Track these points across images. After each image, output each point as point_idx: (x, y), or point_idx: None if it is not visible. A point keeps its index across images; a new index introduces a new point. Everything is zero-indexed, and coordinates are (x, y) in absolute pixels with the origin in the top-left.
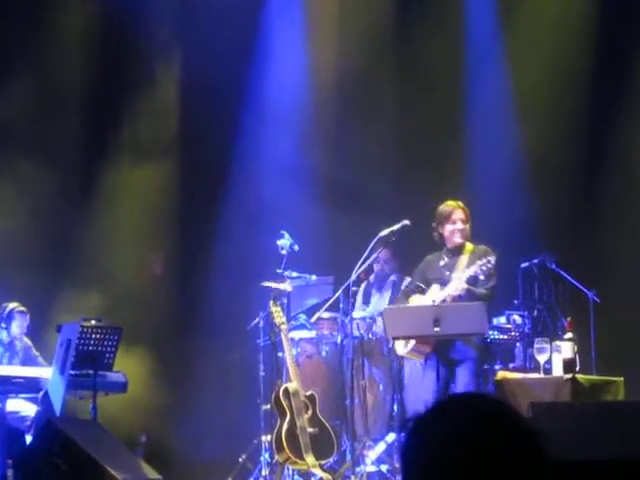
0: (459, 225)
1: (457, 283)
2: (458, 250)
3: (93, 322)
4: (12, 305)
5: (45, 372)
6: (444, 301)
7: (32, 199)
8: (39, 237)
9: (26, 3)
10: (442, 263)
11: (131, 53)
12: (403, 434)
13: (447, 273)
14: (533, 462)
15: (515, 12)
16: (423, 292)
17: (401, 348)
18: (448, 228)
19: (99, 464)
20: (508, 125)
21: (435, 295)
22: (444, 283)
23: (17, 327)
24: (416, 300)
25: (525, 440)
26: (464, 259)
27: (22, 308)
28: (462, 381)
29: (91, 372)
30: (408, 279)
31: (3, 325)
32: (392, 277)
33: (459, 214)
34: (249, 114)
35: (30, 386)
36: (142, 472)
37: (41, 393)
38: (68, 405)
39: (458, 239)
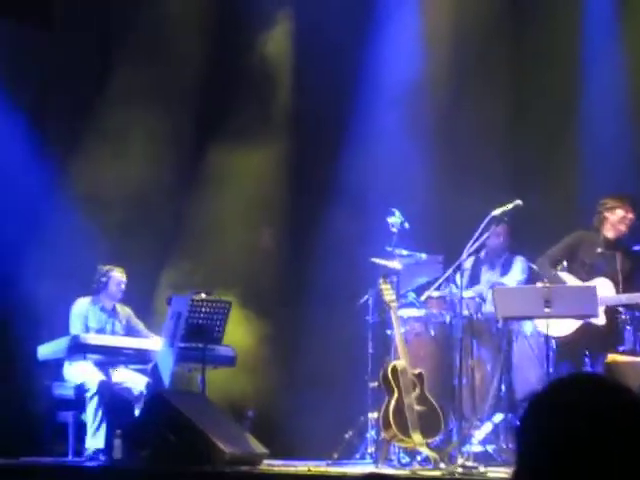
0: (630, 215)
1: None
2: (614, 244)
3: (203, 295)
4: (107, 267)
5: (155, 344)
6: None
7: (149, 174)
8: (154, 213)
9: None
10: (599, 250)
11: (242, 30)
12: (516, 414)
13: (604, 264)
14: None
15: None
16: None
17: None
18: (619, 213)
19: (207, 436)
20: (624, 110)
21: (606, 290)
22: (599, 273)
23: (115, 286)
24: (571, 280)
25: None
26: (620, 256)
27: (118, 269)
28: None
29: (200, 345)
30: (520, 258)
31: (101, 288)
32: (505, 256)
33: (631, 207)
34: (362, 89)
35: (139, 358)
36: (249, 446)
37: (150, 365)
38: (177, 377)
39: (623, 227)
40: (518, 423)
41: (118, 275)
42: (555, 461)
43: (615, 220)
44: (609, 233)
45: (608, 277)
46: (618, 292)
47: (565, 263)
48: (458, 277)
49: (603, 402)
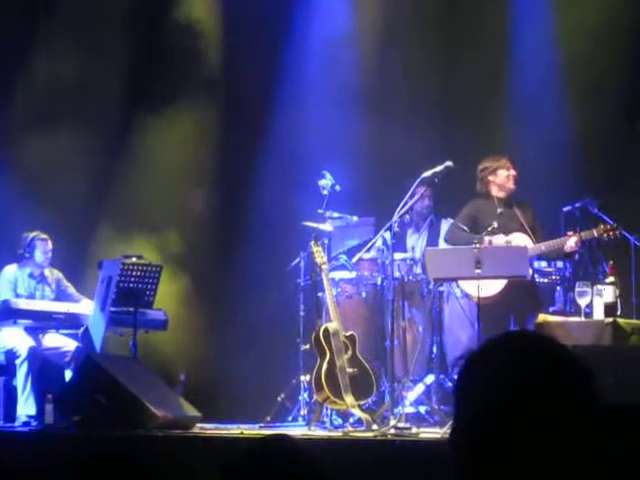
0: (513, 171)
1: (572, 241)
2: (509, 202)
3: (134, 259)
4: (33, 234)
5: (86, 308)
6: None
7: (76, 140)
8: (82, 176)
9: None
10: (499, 211)
11: None
12: (447, 375)
13: (509, 222)
14: (588, 400)
15: None
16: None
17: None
18: (502, 174)
19: (139, 400)
20: (553, 73)
21: (526, 243)
22: (510, 231)
23: (40, 254)
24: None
25: (580, 377)
26: (518, 211)
27: (43, 235)
28: None
29: (131, 309)
30: (449, 221)
31: (27, 255)
32: (430, 217)
33: (511, 163)
34: (291, 50)
35: (70, 322)
36: (182, 409)
37: (81, 329)
38: (108, 342)
39: (512, 185)
40: (453, 383)
41: (43, 244)
42: (492, 420)
43: (500, 181)
44: (500, 194)
45: (511, 231)
46: (534, 243)
47: None
48: (389, 239)
49: (538, 359)
